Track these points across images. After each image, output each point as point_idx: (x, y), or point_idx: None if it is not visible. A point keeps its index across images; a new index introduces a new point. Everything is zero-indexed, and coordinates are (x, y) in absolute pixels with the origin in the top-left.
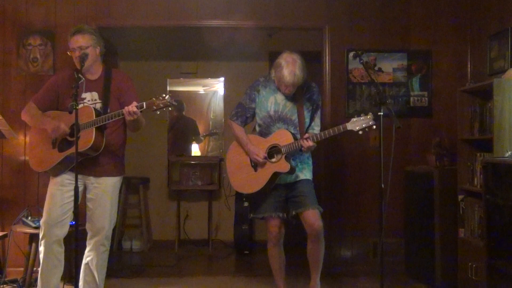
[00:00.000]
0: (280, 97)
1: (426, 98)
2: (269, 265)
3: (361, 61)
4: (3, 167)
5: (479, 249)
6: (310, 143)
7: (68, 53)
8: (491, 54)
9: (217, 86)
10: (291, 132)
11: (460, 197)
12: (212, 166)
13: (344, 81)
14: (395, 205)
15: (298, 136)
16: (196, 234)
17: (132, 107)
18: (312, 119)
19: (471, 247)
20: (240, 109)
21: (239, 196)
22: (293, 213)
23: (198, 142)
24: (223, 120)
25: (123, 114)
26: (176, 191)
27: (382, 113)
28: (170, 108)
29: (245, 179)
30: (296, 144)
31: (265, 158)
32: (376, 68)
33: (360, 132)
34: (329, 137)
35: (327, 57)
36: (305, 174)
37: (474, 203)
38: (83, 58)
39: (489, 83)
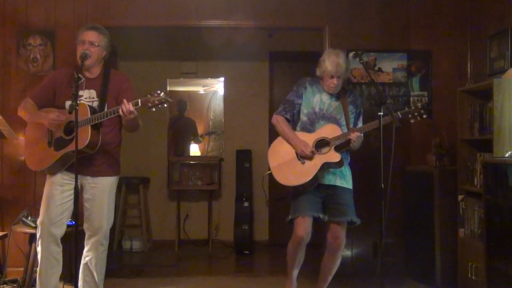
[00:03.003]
0: (325, 97)
1: (426, 98)
2: (269, 265)
3: (361, 61)
4: (3, 167)
5: (479, 249)
6: (357, 133)
7: (76, 43)
8: (491, 54)
9: (217, 86)
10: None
11: (460, 197)
12: (212, 166)
13: (344, 81)
14: (395, 205)
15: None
16: (196, 234)
17: (128, 105)
18: (355, 124)
19: (471, 247)
20: (287, 105)
21: (239, 196)
22: (326, 218)
23: (197, 142)
24: (223, 120)
25: (117, 112)
26: (176, 191)
27: (382, 113)
28: (165, 105)
29: (292, 172)
30: (345, 135)
31: (313, 151)
32: (376, 68)
33: (412, 121)
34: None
35: None
36: (348, 182)
37: (474, 203)
38: (83, 56)
39: (489, 83)
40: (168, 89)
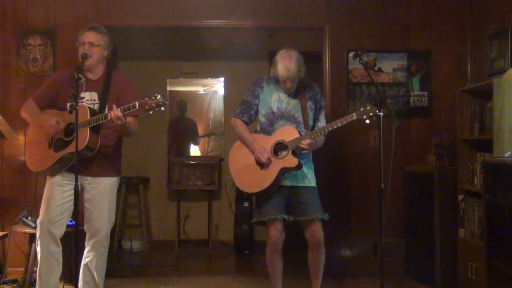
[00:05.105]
0: (283, 95)
1: (426, 98)
2: None
3: (361, 61)
4: (3, 167)
5: (479, 249)
6: (308, 140)
7: (77, 45)
8: (491, 54)
9: (217, 86)
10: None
11: (460, 197)
12: (212, 166)
13: (344, 81)
14: (395, 205)
15: (303, 133)
16: (196, 234)
17: (117, 111)
18: (316, 119)
19: (471, 247)
20: (244, 106)
21: (239, 196)
22: (291, 219)
23: (195, 143)
24: (223, 120)
25: (107, 117)
26: (176, 191)
27: (382, 113)
28: (162, 108)
29: (250, 178)
30: (298, 140)
31: (270, 156)
32: (376, 68)
33: (367, 121)
34: (336, 128)
35: (327, 57)
36: (310, 180)
37: (474, 203)
38: (84, 56)
39: (489, 83)
40: (168, 89)
